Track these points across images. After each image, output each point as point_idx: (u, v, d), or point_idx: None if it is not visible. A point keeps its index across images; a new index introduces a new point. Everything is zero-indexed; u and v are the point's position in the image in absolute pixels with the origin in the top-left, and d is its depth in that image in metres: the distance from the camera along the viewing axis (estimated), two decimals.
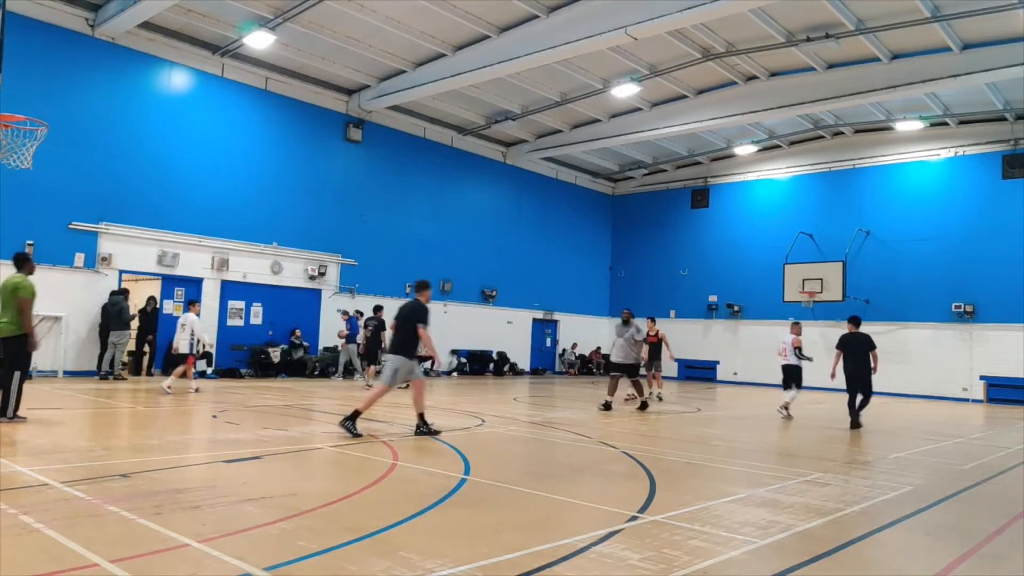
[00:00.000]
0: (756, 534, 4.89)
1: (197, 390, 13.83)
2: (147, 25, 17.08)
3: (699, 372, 27.43)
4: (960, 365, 21.97)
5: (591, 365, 29.26)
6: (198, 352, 14.34)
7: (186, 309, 14.57)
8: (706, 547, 4.53)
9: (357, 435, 8.65)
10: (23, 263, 9.27)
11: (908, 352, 21.45)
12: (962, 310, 22.17)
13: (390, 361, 9.41)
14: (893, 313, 23.31)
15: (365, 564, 3.94)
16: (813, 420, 14.06)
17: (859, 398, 12.32)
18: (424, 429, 9.25)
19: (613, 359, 13.78)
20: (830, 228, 25.03)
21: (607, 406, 13.58)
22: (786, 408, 13.83)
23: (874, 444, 10.85)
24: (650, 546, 4.49)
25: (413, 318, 9.36)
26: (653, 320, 17.41)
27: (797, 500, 6.07)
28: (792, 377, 13.80)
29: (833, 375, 12.49)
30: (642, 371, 14.94)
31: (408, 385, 10.12)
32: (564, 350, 28.80)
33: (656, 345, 16.87)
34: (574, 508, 5.62)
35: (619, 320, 14.12)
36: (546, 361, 28.40)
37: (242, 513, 4.92)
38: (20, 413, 8.95)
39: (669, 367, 21.42)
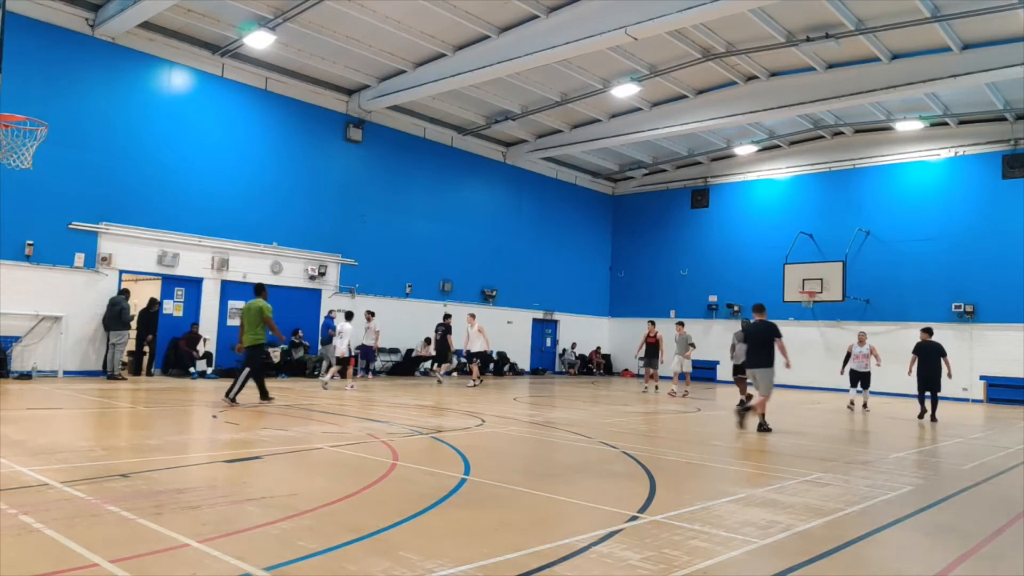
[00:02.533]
0: (756, 534, 4.89)
1: (352, 387, 16.33)
2: (147, 25, 17.08)
3: (699, 372, 27.35)
4: (960, 365, 21.86)
5: (591, 365, 29.25)
6: (355, 354, 16.88)
7: (346, 318, 16.90)
8: (706, 547, 4.53)
9: (742, 427, 10.89)
10: (261, 291, 12.54)
11: (909, 352, 21.35)
12: (962, 310, 22.16)
13: (762, 372, 11.29)
14: (893, 313, 23.30)
15: (365, 564, 3.93)
16: (813, 420, 14.07)
17: (925, 396, 14.73)
18: (765, 427, 11.04)
19: (738, 362, 15.44)
20: (830, 228, 25.03)
21: (744, 404, 15.14)
22: (865, 405, 16.58)
23: (874, 444, 10.86)
24: (650, 546, 4.49)
25: (773, 333, 11.31)
26: (653, 323, 20.15)
27: (797, 500, 6.07)
28: (865, 379, 16.49)
29: (910, 372, 14.80)
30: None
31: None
32: (564, 350, 28.80)
33: (654, 346, 19.55)
34: (574, 508, 5.61)
35: (738, 328, 15.77)
36: (546, 361, 28.41)
37: (242, 513, 4.92)
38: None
39: (667, 367, 22.34)
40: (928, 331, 15.20)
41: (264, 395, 12.23)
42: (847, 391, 17.33)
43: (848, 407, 16.65)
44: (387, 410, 12.24)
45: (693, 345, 19.27)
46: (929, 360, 14.59)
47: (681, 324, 19.39)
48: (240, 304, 19.26)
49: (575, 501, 5.79)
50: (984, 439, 11.93)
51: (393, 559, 4.02)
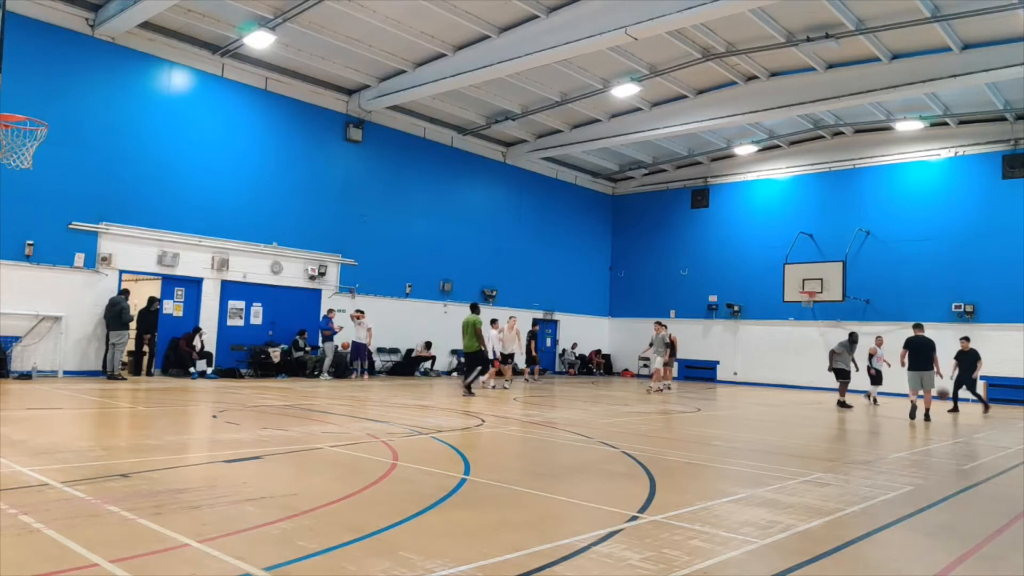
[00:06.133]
0: (756, 534, 4.89)
1: (493, 387, 18.28)
2: (147, 25, 17.08)
3: (699, 372, 27.43)
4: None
5: (591, 365, 29.25)
6: (499, 358, 19.25)
7: (491, 325, 19.08)
8: (706, 547, 4.53)
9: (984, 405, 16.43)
10: (476, 308, 16.29)
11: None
12: (962, 310, 22.17)
13: (928, 375, 14.24)
14: (893, 313, 23.29)
15: (365, 564, 3.93)
16: (814, 420, 14.08)
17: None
18: (929, 416, 14.10)
19: (839, 366, 17.01)
20: (830, 228, 25.03)
21: (843, 404, 16.85)
22: (874, 399, 18.93)
23: (874, 444, 10.86)
24: (650, 546, 4.49)
25: (935, 347, 14.38)
26: (665, 325, 21.45)
27: (797, 500, 6.07)
28: (878, 378, 18.73)
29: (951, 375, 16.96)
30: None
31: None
32: (564, 350, 28.79)
33: (671, 347, 21.10)
34: (574, 508, 5.61)
35: (845, 338, 17.41)
36: (546, 361, 28.37)
37: (242, 513, 4.91)
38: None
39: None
40: (967, 338, 17.46)
41: (469, 389, 15.51)
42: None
43: (865, 399, 19.09)
44: (387, 410, 12.24)
45: (668, 345, 20.52)
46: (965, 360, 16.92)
47: (661, 324, 20.55)
48: (239, 304, 19.45)
49: (575, 501, 5.79)
50: (984, 439, 11.93)
51: (393, 559, 4.02)
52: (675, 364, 22.34)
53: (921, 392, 14.25)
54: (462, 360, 24.68)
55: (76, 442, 7.76)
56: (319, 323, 20.08)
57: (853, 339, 17.29)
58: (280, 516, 4.82)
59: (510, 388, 18.90)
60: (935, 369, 14.38)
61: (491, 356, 18.43)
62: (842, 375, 16.90)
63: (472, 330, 15.76)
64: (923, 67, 18.10)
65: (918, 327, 14.81)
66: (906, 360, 14.40)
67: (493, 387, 18.24)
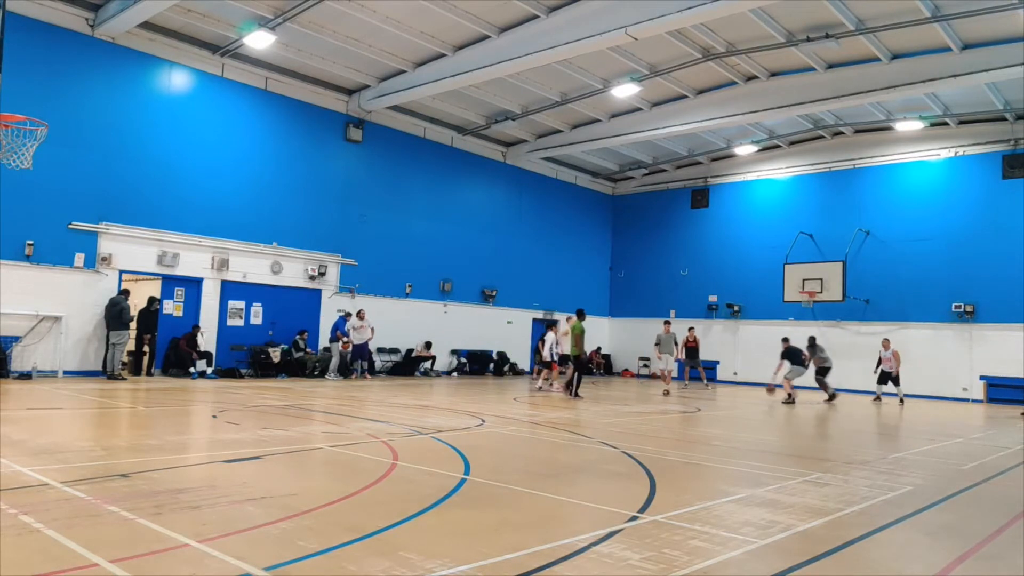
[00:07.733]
0: (756, 534, 4.89)
1: (552, 385, 18.69)
2: (147, 25, 17.08)
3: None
4: (960, 365, 21.95)
5: (591, 365, 29.22)
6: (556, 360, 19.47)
7: (548, 328, 20.39)
8: (706, 547, 4.53)
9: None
10: (581, 315, 16.90)
11: (908, 352, 21.45)
12: (962, 310, 22.16)
13: (794, 369, 17.47)
14: (893, 313, 23.30)
15: (365, 564, 3.93)
16: (813, 419, 14.08)
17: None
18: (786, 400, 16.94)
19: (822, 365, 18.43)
20: (830, 228, 25.03)
21: (831, 396, 18.24)
22: (901, 401, 19.27)
23: (874, 444, 10.86)
24: (650, 546, 4.49)
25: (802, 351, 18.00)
26: (692, 328, 23.56)
27: (797, 500, 6.07)
28: (893, 379, 19.12)
29: None
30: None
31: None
32: None
33: (694, 348, 22.61)
34: (574, 508, 5.62)
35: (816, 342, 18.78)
36: None
37: (242, 513, 4.92)
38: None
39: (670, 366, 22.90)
40: None
41: (575, 392, 16.12)
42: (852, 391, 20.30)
43: (874, 401, 19.35)
44: (387, 410, 12.24)
45: (677, 344, 21.03)
46: None
47: (668, 323, 21.29)
48: (239, 304, 19.46)
49: (575, 501, 5.79)
50: (984, 439, 11.93)
51: (393, 559, 4.02)
52: (698, 364, 23.15)
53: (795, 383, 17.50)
54: (463, 360, 24.79)
55: (76, 442, 7.76)
56: (335, 323, 19.99)
57: (812, 342, 18.55)
58: (280, 516, 4.82)
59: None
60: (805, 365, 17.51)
61: (549, 359, 18.97)
62: (820, 373, 18.24)
63: (575, 337, 16.49)
64: (923, 67, 18.10)
65: (786, 340, 18.28)
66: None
67: (552, 386, 18.62)
